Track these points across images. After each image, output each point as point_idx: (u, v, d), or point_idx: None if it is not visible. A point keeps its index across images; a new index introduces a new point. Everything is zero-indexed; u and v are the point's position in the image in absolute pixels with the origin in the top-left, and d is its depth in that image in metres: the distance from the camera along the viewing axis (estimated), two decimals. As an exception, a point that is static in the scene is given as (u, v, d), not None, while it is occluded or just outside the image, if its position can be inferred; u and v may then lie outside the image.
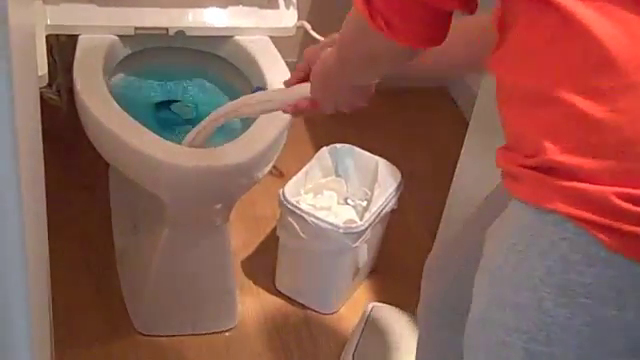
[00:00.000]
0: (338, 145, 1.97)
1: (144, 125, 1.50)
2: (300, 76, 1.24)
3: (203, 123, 1.43)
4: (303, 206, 1.77)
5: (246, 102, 1.36)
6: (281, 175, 2.21)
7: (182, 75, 1.83)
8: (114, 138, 1.49)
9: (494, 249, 0.86)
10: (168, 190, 1.53)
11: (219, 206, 1.56)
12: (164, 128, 1.65)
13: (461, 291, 1.18)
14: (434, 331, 1.28)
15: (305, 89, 1.20)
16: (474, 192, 1.75)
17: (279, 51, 1.78)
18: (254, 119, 1.54)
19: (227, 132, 1.62)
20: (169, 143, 1.47)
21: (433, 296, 1.26)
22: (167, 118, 1.71)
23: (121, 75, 1.77)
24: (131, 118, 1.50)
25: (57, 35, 1.81)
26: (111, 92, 1.58)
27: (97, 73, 1.62)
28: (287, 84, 1.27)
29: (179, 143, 1.47)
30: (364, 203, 1.93)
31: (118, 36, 1.74)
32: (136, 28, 1.73)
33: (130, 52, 1.77)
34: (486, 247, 0.89)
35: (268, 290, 1.92)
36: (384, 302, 1.84)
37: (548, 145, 0.76)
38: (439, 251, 1.33)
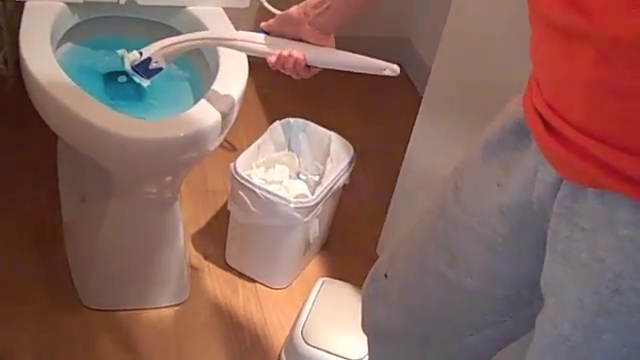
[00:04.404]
0: (291, 119, 1.96)
1: (93, 96, 1.47)
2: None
3: (180, 37, 1.41)
4: (254, 180, 1.76)
5: (236, 37, 1.35)
6: (233, 149, 2.20)
7: (133, 46, 1.79)
8: (62, 109, 1.46)
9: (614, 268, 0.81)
10: (116, 162, 1.50)
11: (169, 179, 1.55)
12: (113, 99, 1.62)
13: (426, 321, 1.15)
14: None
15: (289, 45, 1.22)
16: (427, 168, 1.76)
17: (233, 23, 1.76)
18: (206, 90, 1.52)
19: (178, 103, 1.60)
20: (118, 114, 1.44)
21: (390, 323, 1.20)
22: (116, 89, 1.68)
23: (69, 44, 1.73)
24: (79, 88, 1.47)
25: (3, 1, 1.76)
26: (59, 61, 1.55)
27: (45, 41, 1.57)
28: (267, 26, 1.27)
29: (127, 114, 1.44)
30: (316, 178, 1.92)
31: (66, 3, 1.69)
32: (85, -5, 1.70)
33: (79, 20, 1.73)
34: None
35: (218, 265, 1.91)
36: (335, 277, 1.85)
37: None
38: (394, 267, 1.19)
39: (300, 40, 1.23)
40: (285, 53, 1.21)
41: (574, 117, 0.80)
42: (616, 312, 0.81)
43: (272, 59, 1.22)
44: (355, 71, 1.24)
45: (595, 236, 0.82)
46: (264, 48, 1.26)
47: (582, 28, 0.75)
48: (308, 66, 1.22)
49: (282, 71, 1.23)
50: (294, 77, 1.24)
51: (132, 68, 1.42)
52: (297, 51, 1.21)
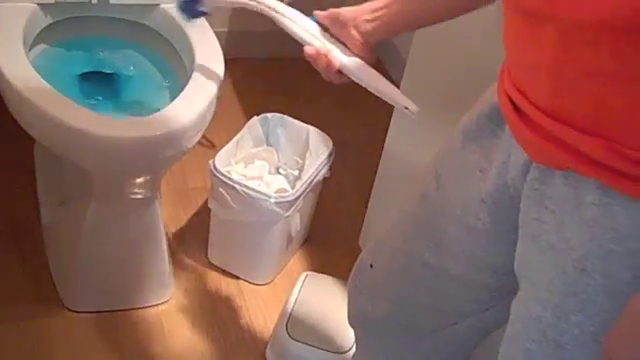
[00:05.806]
0: (269, 114, 1.95)
1: (67, 97, 1.46)
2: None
3: None
4: (234, 176, 1.75)
5: (287, 14, 1.24)
6: (212, 146, 2.19)
7: (107, 46, 1.78)
8: (36, 110, 1.44)
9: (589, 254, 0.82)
10: (95, 162, 1.49)
11: (148, 178, 1.54)
12: (88, 99, 1.61)
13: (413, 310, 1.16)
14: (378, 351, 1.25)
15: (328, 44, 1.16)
16: (406, 158, 1.76)
17: (208, 21, 1.75)
18: (183, 87, 1.51)
19: (154, 101, 1.59)
20: (94, 114, 1.43)
21: (377, 315, 1.20)
22: (91, 90, 1.67)
23: (42, 46, 1.71)
24: (54, 89, 1.46)
25: (-26, 4, 1.74)
26: (32, 63, 1.53)
27: (17, 43, 1.56)
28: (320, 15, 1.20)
29: (104, 114, 1.43)
30: (296, 172, 1.92)
31: (38, 4, 1.68)
32: (57, -5, 1.68)
33: (51, 21, 1.71)
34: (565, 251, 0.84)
35: (201, 263, 1.91)
36: (318, 271, 1.85)
37: None
38: (379, 257, 1.19)
39: (342, 43, 1.17)
40: (323, 51, 1.14)
41: (540, 100, 0.82)
42: (583, 292, 0.83)
43: (310, 50, 1.16)
44: (377, 95, 1.18)
45: (562, 218, 0.84)
46: (307, 36, 1.19)
47: (545, 11, 0.76)
48: (340, 72, 1.16)
49: (313, 66, 1.17)
50: (323, 76, 1.18)
51: (180, 4, 1.37)
52: (334, 55, 1.14)
